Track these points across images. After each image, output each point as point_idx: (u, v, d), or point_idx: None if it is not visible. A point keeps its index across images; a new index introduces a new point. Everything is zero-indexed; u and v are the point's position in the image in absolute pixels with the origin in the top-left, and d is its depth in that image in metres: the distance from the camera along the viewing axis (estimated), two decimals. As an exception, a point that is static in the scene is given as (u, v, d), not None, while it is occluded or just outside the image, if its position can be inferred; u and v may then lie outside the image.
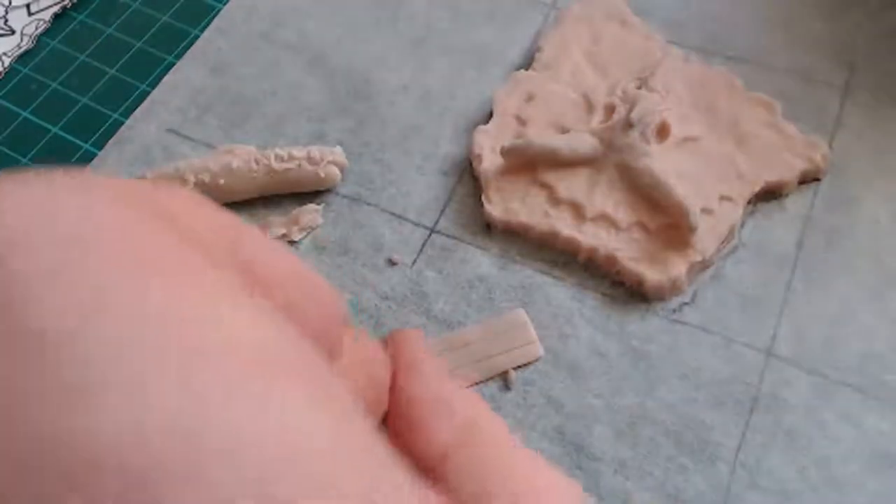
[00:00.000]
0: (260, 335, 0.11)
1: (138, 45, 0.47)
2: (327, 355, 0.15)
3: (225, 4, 0.48)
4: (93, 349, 0.10)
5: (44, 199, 0.12)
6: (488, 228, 0.39)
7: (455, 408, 0.17)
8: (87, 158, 0.42)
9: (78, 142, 0.43)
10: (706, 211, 0.37)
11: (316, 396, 0.11)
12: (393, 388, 0.17)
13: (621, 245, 0.37)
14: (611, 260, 0.37)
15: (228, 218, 0.14)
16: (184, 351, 0.10)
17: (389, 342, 0.19)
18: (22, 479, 0.09)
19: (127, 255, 0.11)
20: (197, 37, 0.47)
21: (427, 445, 0.16)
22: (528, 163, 0.39)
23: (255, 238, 0.14)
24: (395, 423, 0.17)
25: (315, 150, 0.39)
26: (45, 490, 0.09)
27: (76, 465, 0.09)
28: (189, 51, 0.46)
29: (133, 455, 0.09)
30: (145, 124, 0.43)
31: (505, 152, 0.39)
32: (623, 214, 0.38)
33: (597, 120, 0.40)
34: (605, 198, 0.38)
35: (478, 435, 0.16)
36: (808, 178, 0.39)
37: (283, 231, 0.39)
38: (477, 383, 0.35)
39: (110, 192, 0.12)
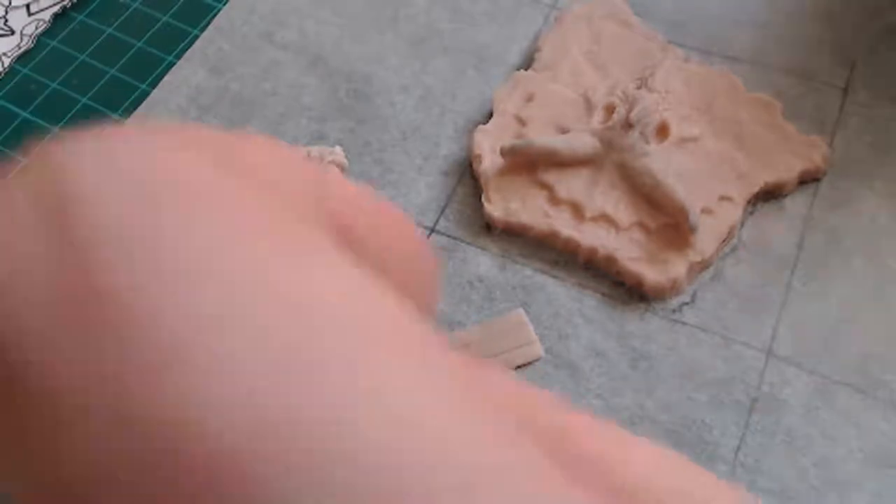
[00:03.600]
0: (362, 307, 0.10)
1: (138, 45, 0.47)
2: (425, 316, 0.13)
3: (225, 4, 0.48)
4: (176, 321, 0.09)
5: (113, 150, 0.10)
6: (488, 228, 0.39)
7: None
8: (87, 158, 0.42)
9: (78, 142, 0.43)
10: (706, 211, 0.37)
11: (433, 378, 0.09)
12: None
13: (621, 245, 0.37)
14: (611, 260, 0.37)
15: (309, 165, 0.13)
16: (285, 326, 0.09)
17: None
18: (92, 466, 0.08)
19: (210, 213, 0.10)
20: (197, 37, 0.47)
21: None
22: (528, 163, 0.39)
23: (341, 187, 0.13)
24: None
25: (315, 150, 0.39)
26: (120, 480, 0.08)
27: (154, 457, 0.08)
28: (189, 51, 0.46)
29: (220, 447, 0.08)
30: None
31: (505, 152, 0.39)
32: (623, 214, 0.38)
33: (597, 120, 0.40)
34: (605, 198, 0.38)
35: None
36: (808, 178, 0.39)
37: (283, 231, 0.39)
38: (477, 383, 0.35)
39: (178, 141, 0.11)
